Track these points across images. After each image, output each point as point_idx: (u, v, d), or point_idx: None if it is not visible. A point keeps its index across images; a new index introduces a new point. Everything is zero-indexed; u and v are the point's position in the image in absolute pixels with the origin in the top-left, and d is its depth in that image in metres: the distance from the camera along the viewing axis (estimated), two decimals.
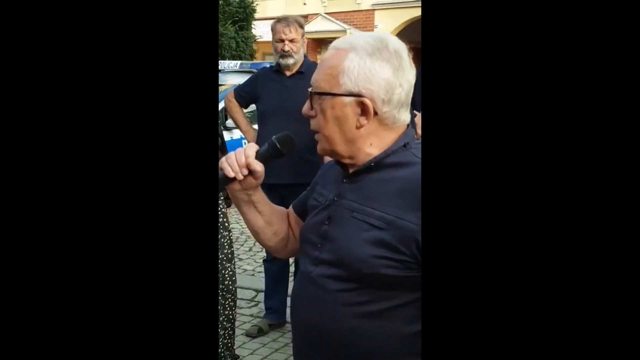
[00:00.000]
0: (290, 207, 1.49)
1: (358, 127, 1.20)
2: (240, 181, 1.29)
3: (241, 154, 1.27)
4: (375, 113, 1.19)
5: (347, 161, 1.26)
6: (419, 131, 4.43)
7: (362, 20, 16.07)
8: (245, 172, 1.27)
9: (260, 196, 1.36)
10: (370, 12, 16.30)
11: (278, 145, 1.30)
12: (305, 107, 1.26)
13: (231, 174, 1.26)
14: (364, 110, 1.19)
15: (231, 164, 1.26)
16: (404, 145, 1.23)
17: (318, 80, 1.23)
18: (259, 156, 1.28)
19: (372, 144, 1.22)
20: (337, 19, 16.42)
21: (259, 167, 1.27)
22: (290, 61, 3.30)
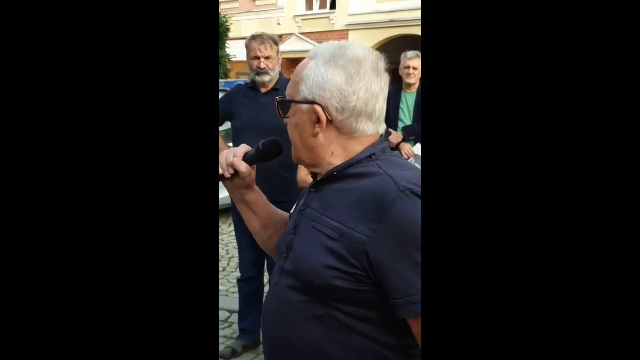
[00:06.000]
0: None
1: (314, 135, 1.20)
2: (229, 180, 1.35)
3: (230, 153, 1.33)
4: (331, 121, 1.18)
5: (313, 170, 1.27)
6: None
7: (336, 40, 16.24)
8: (232, 171, 1.33)
9: (255, 197, 1.41)
10: (344, 32, 16.49)
11: (262, 148, 1.34)
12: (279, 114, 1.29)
13: (219, 171, 1.33)
14: (319, 118, 1.18)
15: (220, 162, 1.33)
16: (370, 156, 1.20)
17: (287, 87, 1.26)
18: (246, 158, 1.34)
19: (334, 153, 1.21)
20: (311, 39, 16.56)
21: (243, 167, 1.33)
22: (266, 78, 3.29)
